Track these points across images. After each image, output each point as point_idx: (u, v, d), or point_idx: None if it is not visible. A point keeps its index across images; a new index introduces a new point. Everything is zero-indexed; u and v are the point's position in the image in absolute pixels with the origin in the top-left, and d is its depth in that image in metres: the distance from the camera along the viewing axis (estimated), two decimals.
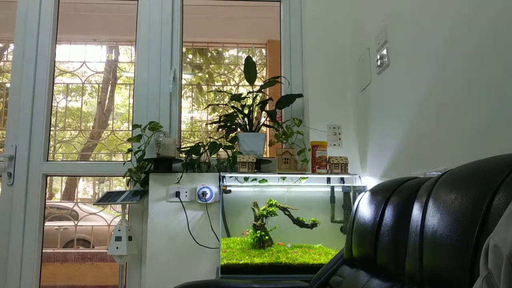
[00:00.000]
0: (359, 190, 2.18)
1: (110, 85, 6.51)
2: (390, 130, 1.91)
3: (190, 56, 4.59)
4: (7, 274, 2.45)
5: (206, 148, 2.35)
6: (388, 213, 1.26)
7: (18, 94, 2.60)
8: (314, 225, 2.16)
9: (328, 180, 2.26)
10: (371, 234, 1.31)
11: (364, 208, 1.45)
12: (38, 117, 2.58)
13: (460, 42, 1.36)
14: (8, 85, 5.06)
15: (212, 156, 2.39)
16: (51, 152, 2.69)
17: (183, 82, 2.83)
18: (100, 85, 6.52)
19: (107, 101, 6.94)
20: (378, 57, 2.01)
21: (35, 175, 2.53)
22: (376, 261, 1.27)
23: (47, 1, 2.69)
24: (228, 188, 2.19)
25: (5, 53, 5.74)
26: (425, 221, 1.01)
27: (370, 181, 2.15)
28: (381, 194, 1.37)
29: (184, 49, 2.74)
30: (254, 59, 2.43)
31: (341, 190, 2.23)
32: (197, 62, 4.66)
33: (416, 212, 1.08)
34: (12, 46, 4.88)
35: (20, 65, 2.63)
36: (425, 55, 1.59)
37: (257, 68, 2.42)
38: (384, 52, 1.95)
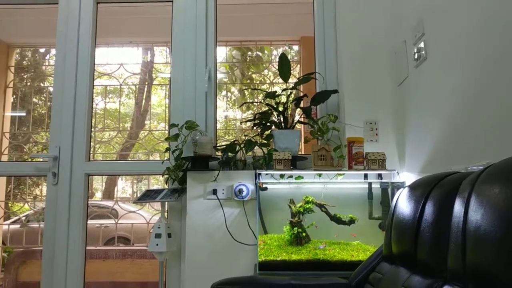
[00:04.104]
0: (397, 186, 2.15)
1: (146, 86, 6.66)
2: (429, 124, 1.87)
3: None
4: (54, 271, 2.55)
5: (242, 146, 2.37)
6: (429, 209, 1.24)
7: (61, 97, 2.70)
8: (351, 221, 2.14)
9: (366, 176, 2.24)
10: (411, 230, 1.29)
11: (403, 204, 1.43)
12: (80, 119, 2.67)
13: (503, 33, 1.31)
14: (50, 88, 5.26)
15: (248, 153, 2.41)
16: (91, 152, 2.78)
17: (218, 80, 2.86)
18: (137, 86, 6.68)
19: (143, 101, 7.10)
20: (415, 50, 1.97)
21: (78, 174, 2.62)
22: (416, 257, 1.25)
23: (86, 7, 2.78)
24: (264, 185, 2.20)
25: (47, 57, 5.96)
26: (468, 217, 0.98)
27: (408, 177, 2.12)
28: (421, 190, 1.35)
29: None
30: (288, 56, 2.43)
31: (379, 186, 2.20)
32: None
33: (458, 207, 1.05)
34: (53, 51, 5.07)
35: (62, 69, 2.73)
36: (465, 47, 1.55)
37: (291, 65, 2.42)
38: (422, 45, 1.91)
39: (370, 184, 2.21)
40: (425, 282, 1.17)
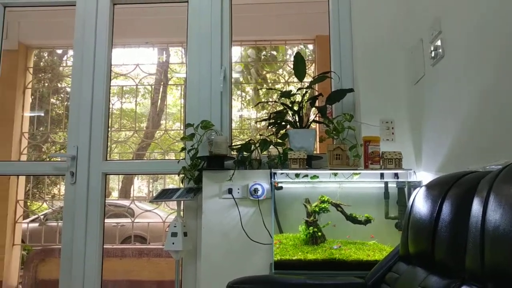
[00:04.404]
0: (414, 185, 2.13)
1: (162, 86, 6.71)
2: (446, 123, 1.85)
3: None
4: (72, 269, 2.59)
5: (257, 145, 2.37)
6: (446, 208, 1.23)
7: (78, 98, 2.74)
8: (367, 221, 2.13)
9: (382, 175, 2.23)
10: (428, 230, 1.28)
11: (420, 203, 1.42)
12: (97, 119, 2.71)
13: None
14: (68, 89, 5.34)
15: (263, 153, 2.42)
16: (108, 152, 2.82)
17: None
18: (153, 86, 6.74)
19: (159, 101, 7.16)
20: (432, 48, 1.95)
21: (96, 173, 2.66)
22: (434, 257, 1.24)
23: (103, 8, 2.81)
24: (279, 185, 2.20)
25: (64, 58, 6.05)
26: (486, 216, 0.97)
27: (425, 176, 2.10)
28: (438, 189, 1.34)
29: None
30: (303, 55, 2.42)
31: (395, 185, 2.19)
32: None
33: (476, 206, 1.04)
34: (70, 52, 5.15)
35: (79, 70, 2.76)
36: (483, 45, 1.53)
37: (306, 64, 2.41)
38: (439, 43, 1.89)
39: (386, 183, 2.19)
40: (443, 282, 1.16)
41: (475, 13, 1.59)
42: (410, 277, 1.39)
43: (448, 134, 1.82)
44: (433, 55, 1.95)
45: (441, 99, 1.91)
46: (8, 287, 4.37)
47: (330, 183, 2.20)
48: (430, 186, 1.44)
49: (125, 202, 5.86)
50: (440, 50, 1.87)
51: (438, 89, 1.94)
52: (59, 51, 6.11)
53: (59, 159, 2.91)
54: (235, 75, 4.41)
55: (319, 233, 2.11)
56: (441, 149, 1.89)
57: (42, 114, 5.33)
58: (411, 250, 1.44)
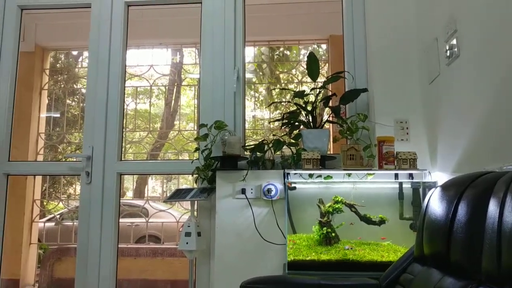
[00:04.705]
0: (429, 186, 2.11)
1: (175, 87, 6.75)
2: (461, 123, 1.83)
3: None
4: (87, 268, 2.62)
5: (270, 145, 2.38)
6: (462, 209, 1.21)
7: (93, 99, 2.77)
8: (381, 222, 2.12)
9: (396, 176, 2.21)
10: (443, 231, 1.27)
11: (436, 204, 1.40)
12: (112, 119, 2.74)
13: None
14: (83, 90, 5.40)
15: (276, 153, 2.42)
16: (122, 152, 2.84)
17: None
18: (166, 87, 6.79)
19: (173, 102, 7.21)
20: (447, 48, 1.93)
21: (111, 173, 2.69)
22: (449, 258, 1.23)
23: (117, 9, 2.84)
24: (293, 185, 2.20)
25: (80, 60, 6.12)
26: (503, 217, 0.96)
27: (440, 177, 2.07)
28: (453, 189, 1.32)
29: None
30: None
31: (409, 186, 2.17)
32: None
33: (493, 207, 1.03)
34: (85, 54, 5.21)
35: (95, 71, 2.80)
36: (499, 43, 1.51)
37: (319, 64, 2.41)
38: (454, 42, 1.87)
39: (400, 184, 2.18)
40: (459, 283, 1.15)
41: (492, 11, 1.57)
42: (425, 278, 1.38)
43: (463, 134, 1.80)
44: (448, 54, 1.93)
45: (456, 99, 1.89)
46: (25, 285, 4.44)
47: (343, 183, 2.19)
48: (445, 187, 1.42)
49: (140, 202, 5.91)
50: (456, 49, 1.85)
51: (453, 89, 1.92)
52: (75, 53, 6.19)
53: (74, 159, 2.95)
54: (248, 75, 4.42)
55: (333, 234, 2.11)
56: (457, 149, 1.87)
57: (58, 115, 5.41)
58: (426, 251, 1.42)
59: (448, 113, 1.99)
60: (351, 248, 2.07)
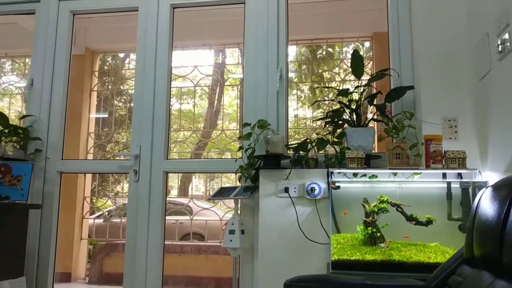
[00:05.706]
0: (479, 186, 2.04)
1: (218, 87, 6.84)
2: None
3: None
4: (135, 263, 2.70)
5: (314, 144, 2.37)
6: None
7: (141, 99, 2.86)
8: (429, 222, 2.06)
9: (444, 175, 2.15)
10: (495, 232, 1.23)
11: (487, 204, 1.36)
12: (158, 119, 2.81)
13: None
14: (130, 91, 5.57)
15: (320, 152, 2.40)
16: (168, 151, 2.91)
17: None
18: (210, 87, 6.89)
19: (215, 102, 7.30)
20: (499, 42, 1.86)
21: (157, 172, 2.76)
22: (501, 260, 1.19)
23: (164, 12, 2.91)
24: (337, 184, 2.18)
25: (126, 61, 6.31)
26: None
27: (491, 176, 2.00)
28: (506, 190, 1.28)
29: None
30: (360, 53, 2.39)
31: (458, 186, 2.10)
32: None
33: None
34: (132, 56, 5.37)
35: (142, 73, 2.88)
36: None
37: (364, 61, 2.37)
38: (506, 36, 1.80)
39: (449, 184, 2.11)
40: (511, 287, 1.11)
41: None
42: (475, 281, 1.34)
43: None
44: (500, 49, 1.85)
45: (508, 95, 1.82)
46: (77, 278, 4.64)
47: (389, 183, 2.16)
48: (497, 187, 1.37)
49: (184, 200, 6.03)
50: (508, 44, 1.78)
51: (505, 85, 1.85)
52: (121, 55, 6.39)
53: (123, 158, 3.05)
54: (290, 74, 4.41)
55: (378, 234, 2.07)
56: (509, 148, 1.80)
57: (106, 116, 5.61)
58: (476, 253, 1.38)
59: (500, 109, 1.91)
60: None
